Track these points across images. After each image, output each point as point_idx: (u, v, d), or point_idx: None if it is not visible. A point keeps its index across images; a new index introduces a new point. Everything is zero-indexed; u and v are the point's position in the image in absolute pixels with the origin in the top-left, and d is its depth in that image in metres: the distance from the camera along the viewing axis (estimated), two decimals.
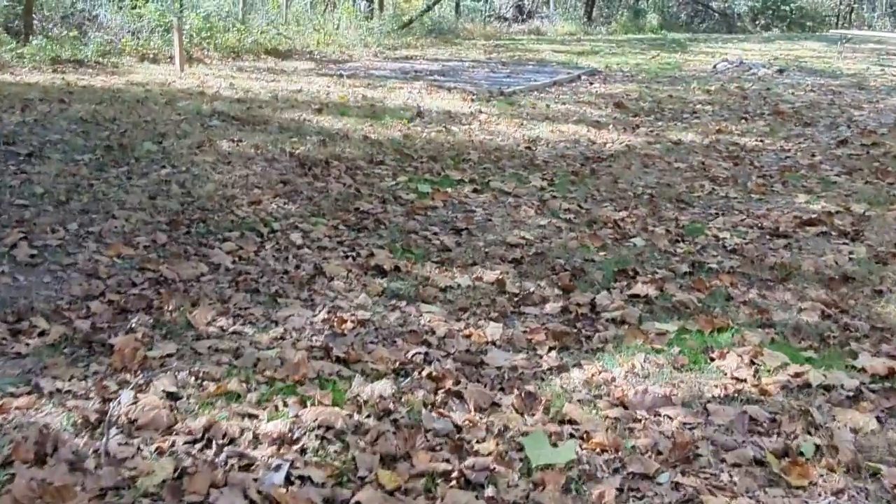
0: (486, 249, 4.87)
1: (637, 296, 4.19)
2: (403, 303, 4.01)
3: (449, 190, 6.04)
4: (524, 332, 3.71)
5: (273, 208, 5.42)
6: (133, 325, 3.47)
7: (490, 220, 5.52)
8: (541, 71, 13.82)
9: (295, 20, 17.01)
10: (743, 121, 9.94)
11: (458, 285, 4.28)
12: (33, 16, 12.66)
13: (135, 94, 9.26)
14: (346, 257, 4.63)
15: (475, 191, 6.13)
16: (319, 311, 3.80)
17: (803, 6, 25.22)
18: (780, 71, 14.85)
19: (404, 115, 9.11)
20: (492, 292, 4.22)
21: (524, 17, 24.99)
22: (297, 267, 4.43)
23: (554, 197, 6.10)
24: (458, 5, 23.40)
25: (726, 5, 25.16)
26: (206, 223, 5.02)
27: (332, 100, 9.97)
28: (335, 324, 3.65)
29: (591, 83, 12.96)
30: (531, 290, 4.22)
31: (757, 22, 25.63)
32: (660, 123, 9.62)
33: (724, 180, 6.77)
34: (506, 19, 24.90)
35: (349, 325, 3.63)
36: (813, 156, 7.87)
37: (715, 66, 15.47)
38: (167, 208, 5.22)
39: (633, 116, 9.99)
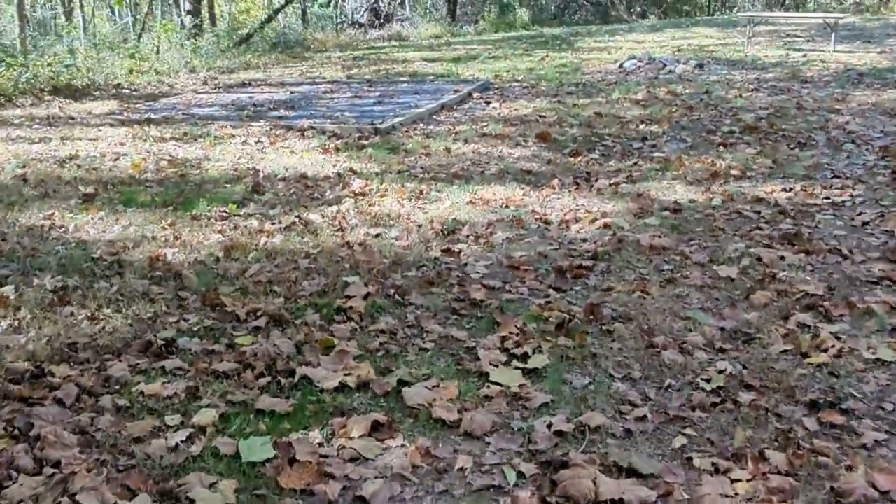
0: None
1: None
2: None
3: (310, 460, 2.48)
4: None
5: None
6: None
7: None
8: (419, 90, 10.38)
9: (95, 47, 12.87)
10: (721, 148, 6.83)
11: None
12: None
13: None
14: None
15: (377, 438, 2.61)
16: None
17: None
18: (699, 66, 12.03)
19: (232, 194, 5.50)
20: None
21: (381, 21, 21.51)
22: None
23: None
24: (304, 13, 19.65)
25: None
26: None
27: (120, 170, 6.22)
28: None
29: (488, 102, 9.63)
30: None
31: (632, 10, 23.16)
32: (614, 165, 6.38)
33: (858, 312, 3.52)
34: (361, 25, 21.35)
35: None
36: (882, 210, 4.78)
37: (622, 66, 12.50)
38: None
39: (573, 156, 6.70)
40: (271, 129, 7.97)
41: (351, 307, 3.49)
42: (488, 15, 21.93)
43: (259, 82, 11.88)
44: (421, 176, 6.02)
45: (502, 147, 7.11)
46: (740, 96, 9.42)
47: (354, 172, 6.14)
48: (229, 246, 4.36)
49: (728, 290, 3.69)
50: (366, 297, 3.64)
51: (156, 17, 15.30)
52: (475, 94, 10.04)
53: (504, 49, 15.81)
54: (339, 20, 21.60)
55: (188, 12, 15.48)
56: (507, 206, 5.20)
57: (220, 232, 4.69)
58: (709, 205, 5.10)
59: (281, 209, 5.17)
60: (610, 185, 5.68)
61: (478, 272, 4.00)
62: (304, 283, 3.85)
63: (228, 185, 5.81)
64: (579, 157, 6.63)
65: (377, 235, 4.61)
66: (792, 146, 6.91)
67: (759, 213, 4.89)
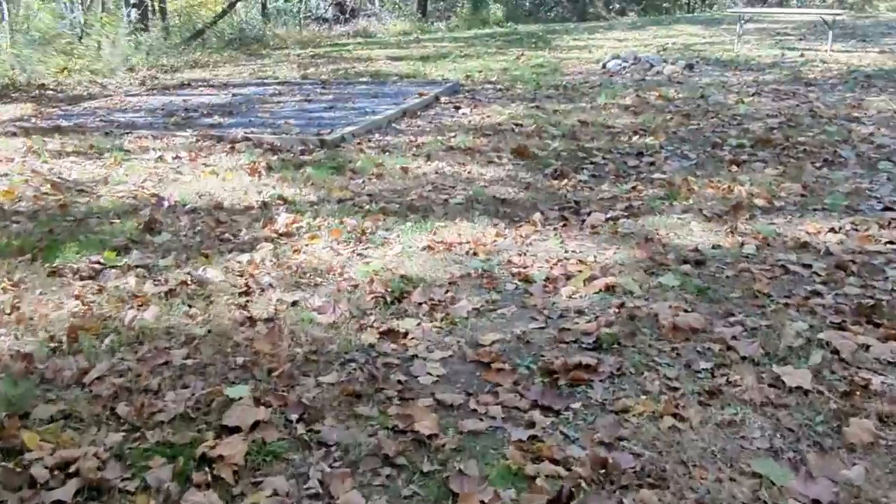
0: None
1: None
2: None
3: None
4: None
5: None
6: None
7: None
8: (379, 93, 9.02)
9: (23, 43, 11.38)
10: (733, 167, 5.58)
11: None
12: None
13: None
14: None
15: None
16: None
17: None
18: (689, 66, 10.78)
19: (117, 234, 4.14)
20: None
21: (347, 16, 20.08)
22: None
23: None
24: (264, 7, 18.19)
25: None
26: None
27: None
28: None
29: (457, 107, 8.30)
30: None
31: (611, 7, 21.89)
32: (607, 190, 5.10)
33: None
34: (325, 20, 19.91)
35: None
36: None
37: (605, 66, 11.23)
38: None
39: (557, 178, 5.40)
40: (197, 140, 6.59)
41: (222, 457, 2.15)
42: (461, 11, 20.58)
43: (201, 83, 10.46)
44: (367, 207, 4.68)
45: (472, 165, 5.79)
46: (742, 101, 8.18)
47: (284, 201, 4.79)
48: (79, 325, 3.00)
49: (804, 412, 2.39)
50: (254, 426, 2.31)
51: (97, 10, 13.77)
52: (442, 98, 8.71)
53: (477, 47, 14.48)
54: (302, 15, 20.15)
55: (133, 4, 13.98)
56: (475, 254, 3.88)
57: (78, 297, 3.33)
58: (739, 253, 3.81)
59: (174, 259, 3.82)
60: (606, 220, 4.39)
61: (430, 373, 2.68)
62: (168, 398, 2.51)
63: (118, 221, 4.44)
64: (565, 180, 5.34)
65: (294, 304, 3.28)
66: (818, 164, 5.67)
67: (809, 266, 3.60)
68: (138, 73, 11.41)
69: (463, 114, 7.99)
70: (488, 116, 7.80)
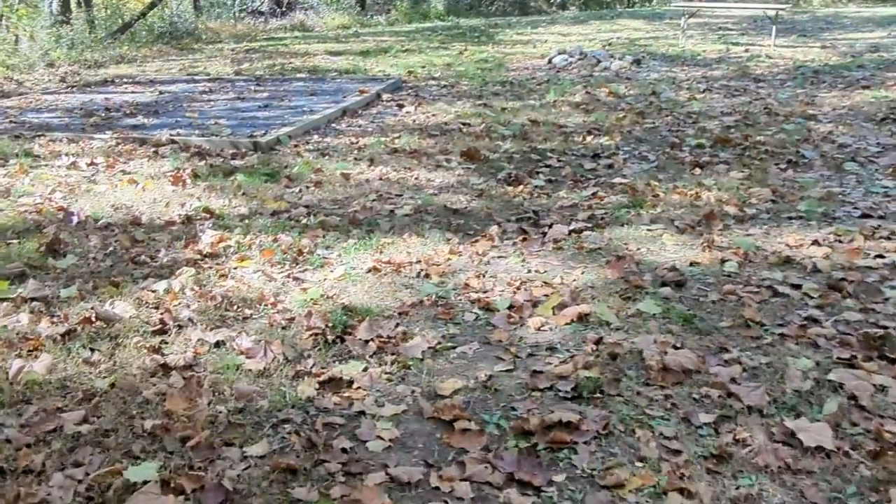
0: None
1: None
2: None
3: None
4: None
5: None
6: None
7: None
8: (318, 90, 8.46)
9: None
10: (696, 170, 5.22)
11: None
12: None
13: None
14: None
15: None
16: None
17: None
18: (637, 62, 10.48)
19: (12, 258, 3.54)
20: None
21: (284, 9, 19.34)
22: None
23: None
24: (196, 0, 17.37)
25: None
26: None
27: None
28: None
29: (401, 105, 7.81)
30: None
31: (552, 1, 21.55)
32: (566, 197, 4.69)
33: None
34: (261, 13, 19.15)
35: None
36: None
37: (550, 61, 10.85)
38: None
39: (511, 183, 4.97)
40: (117, 143, 5.97)
41: None
42: (401, 4, 20.02)
43: (126, 80, 9.74)
44: (305, 221, 4.17)
45: (419, 170, 5.31)
46: (694, 98, 7.87)
47: (210, 215, 4.25)
48: None
49: (831, 480, 1.99)
50: None
51: (13, 0, 12.84)
52: (384, 96, 8.20)
53: (418, 41, 13.98)
54: (238, 8, 19.35)
55: None
56: (427, 276, 3.41)
57: None
58: (720, 271, 3.41)
59: (78, 289, 3.26)
60: (570, 233, 3.96)
61: (380, 437, 2.21)
62: (54, 482, 1.98)
63: (16, 241, 3.85)
64: (520, 186, 4.90)
65: (217, 346, 2.76)
66: (782, 166, 5.35)
67: (798, 287, 3.22)
68: (59, 69, 10.63)
69: (407, 112, 7.51)
70: (434, 115, 7.33)
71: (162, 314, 2.98)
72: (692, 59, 10.83)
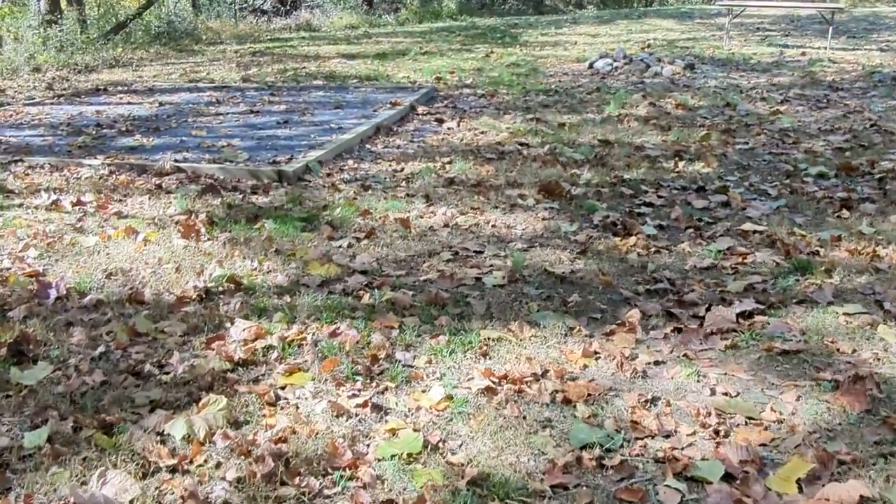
0: None
1: None
2: None
3: None
4: None
5: None
6: None
7: None
8: (342, 101, 7.30)
9: None
10: (843, 210, 4.09)
11: None
12: None
13: None
14: None
15: None
16: None
17: None
18: (690, 67, 9.35)
19: None
20: None
21: (288, 8, 18.14)
22: None
23: None
24: None
25: None
26: None
27: None
28: None
29: (440, 120, 6.66)
30: None
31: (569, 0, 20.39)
32: (692, 253, 3.59)
33: None
34: (264, 12, 17.95)
35: None
36: None
37: (592, 65, 9.73)
38: None
39: (615, 233, 3.84)
40: (111, 172, 4.83)
41: None
42: (410, 3, 18.84)
43: (121, 87, 8.56)
44: (367, 298, 3.01)
45: (491, 211, 4.17)
46: (779, 111, 6.75)
47: (237, 287, 3.10)
48: None
49: None
50: None
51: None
52: (419, 108, 7.05)
53: (437, 42, 12.81)
54: (238, 6, 18.13)
55: None
56: (566, 401, 2.27)
57: None
58: None
59: (47, 435, 2.10)
60: (738, 318, 2.81)
61: None
62: None
63: None
64: (629, 237, 3.75)
65: None
66: None
67: None
68: (45, 74, 9.44)
69: (449, 129, 6.37)
70: (482, 133, 6.19)
71: (183, 495, 1.83)
72: (746, 64, 9.72)
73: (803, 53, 10.43)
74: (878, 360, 2.53)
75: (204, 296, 3.04)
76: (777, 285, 3.19)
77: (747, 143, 5.74)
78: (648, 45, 11.64)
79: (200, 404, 2.24)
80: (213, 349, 2.60)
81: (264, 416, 2.22)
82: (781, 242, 3.66)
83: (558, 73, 9.46)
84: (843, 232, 3.80)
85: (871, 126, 6.15)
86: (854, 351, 2.58)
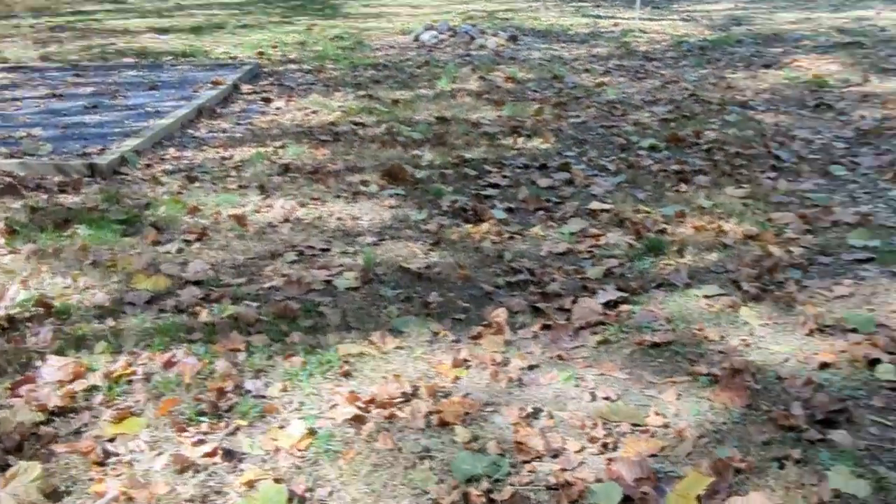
0: None
1: None
2: None
3: None
4: None
5: None
6: None
7: None
8: (157, 82, 6.63)
9: None
10: (681, 185, 4.12)
11: None
12: None
13: None
14: None
15: None
16: None
17: None
18: (513, 38, 9.34)
19: None
20: None
21: None
22: None
23: None
24: None
25: None
26: None
27: None
28: None
29: (267, 99, 6.21)
30: None
31: None
32: (546, 237, 3.48)
33: None
34: None
35: None
36: None
37: (417, 38, 9.51)
38: None
39: (465, 219, 3.65)
40: None
41: None
42: None
43: None
44: (205, 315, 2.63)
45: (333, 202, 3.86)
46: (603, 84, 6.83)
47: (48, 312, 2.61)
48: None
49: None
50: None
51: None
52: (243, 86, 6.54)
53: (255, 14, 12.10)
54: None
55: None
56: (443, 423, 2.04)
57: None
58: (871, 377, 2.27)
59: None
60: (605, 310, 2.69)
61: None
62: None
63: None
64: (481, 224, 3.57)
65: None
66: (769, 175, 4.38)
67: None
68: None
69: (278, 109, 5.94)
70: (313, 112, 5.82)
71: None
72: (566, 35, 9.85)
73: (616, 24, 10.70)
74: (748, 346, 2.47)
75: (6, 325, 2.54)
76: (634, 268, 3.10)
77: (579, 117, 5.72)
78: (470, 17, 11.54)
79: (8, 475, 1.81)
80: (21, 396, 2.14)
81: (91, 480, 1.83)
82: (630, 222, 3.60)
83: (384, 45, 9.14)
84: (685, 207, 3.80)
85: (690, 96, 6.32)
86: (722, 338, 2.52)
